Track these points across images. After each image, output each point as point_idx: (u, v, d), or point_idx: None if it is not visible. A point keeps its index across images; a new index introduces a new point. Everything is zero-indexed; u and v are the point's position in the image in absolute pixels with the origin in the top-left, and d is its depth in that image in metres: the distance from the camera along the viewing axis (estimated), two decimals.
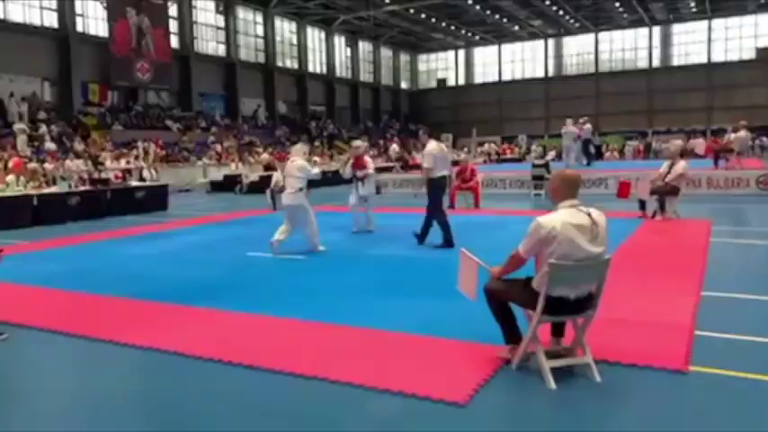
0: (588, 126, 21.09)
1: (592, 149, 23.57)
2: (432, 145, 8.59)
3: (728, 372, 3.76)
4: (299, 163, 8.60)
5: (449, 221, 8.56)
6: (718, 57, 44.28)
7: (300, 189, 8.47)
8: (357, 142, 11.25)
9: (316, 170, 8.97)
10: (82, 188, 15.15)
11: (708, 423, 3.20)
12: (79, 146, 23.39)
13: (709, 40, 44.38)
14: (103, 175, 17.85)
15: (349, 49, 46.82)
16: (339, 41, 45.73)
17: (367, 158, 10.57)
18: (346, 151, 36.19)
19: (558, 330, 4.13)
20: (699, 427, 3.17)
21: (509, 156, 39.54)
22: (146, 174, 22.20)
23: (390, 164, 28.68)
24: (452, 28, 46.01)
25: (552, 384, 3.61)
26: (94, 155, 22.49)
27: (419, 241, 8.69)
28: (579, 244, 3.62)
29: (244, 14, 37.50)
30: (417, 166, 30.72)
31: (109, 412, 3.56)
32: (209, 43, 35.33)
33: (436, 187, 8.56)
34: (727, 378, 3.70)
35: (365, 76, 48.93)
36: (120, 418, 3.49)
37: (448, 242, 8.40)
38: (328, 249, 8.68)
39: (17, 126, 22.16)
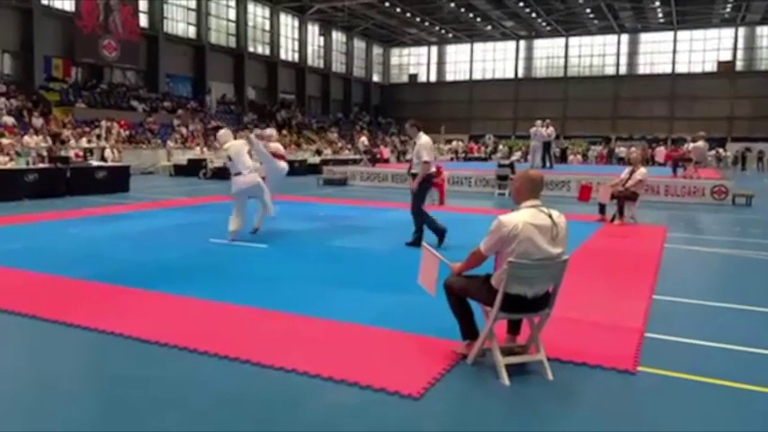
0: (551, 129, 21.41)
1: (554, 152, 23.94)
2: (426, 137, 8.21)
3: (675, 373, 3.89)
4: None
5: (432, 219, 8.23)
6: (681, 68, 45.55)
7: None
8: (269, 130, 10.39)
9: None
10: (40, 165, 14.72)
11: (653, 422, 3.31)
12: (38, 121, 22.69)
13: (675, 51, 45.57)
14: (63, 153, 17.37)
15: (322, 39, 46.48)
16: (312, 30, 45.35)
17: (279, 146, 9.83)
18: (315, 141, 36.09)
19: (514, 328, 4.22)
20: (644, 425, 3.28)
21: (476, 154, 39.91)
22: (108, 154, 21.68)
23: (358, 156, 28.67)
24: (426, 24, 46.12)
25: (506, 381, 3.68)
26: (55, 132, 21.84)
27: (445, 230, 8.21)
28: (539, 244, 3.70)
29: None
30: (387, 160, 30.82)
31: (54, 395, 3.50)
32: (180, 24, 34.63)
33: (427, 184, 8.35)
34: (674, 379, 3.83)
35: (337, 66, 48.68)
36: (65, 401, 3.43)
37: (417, 242, 8.01)
38: (291, 239, 8.63)
39: None
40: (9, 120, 21.47)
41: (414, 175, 8.23)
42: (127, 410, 3.30)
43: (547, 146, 21.58)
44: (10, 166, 13.97)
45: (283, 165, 9.33)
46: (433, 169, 8.37)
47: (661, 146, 38.16)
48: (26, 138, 20.08)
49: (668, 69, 45.71)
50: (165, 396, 3.48)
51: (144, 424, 3.14)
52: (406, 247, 7.99)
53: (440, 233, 8.15)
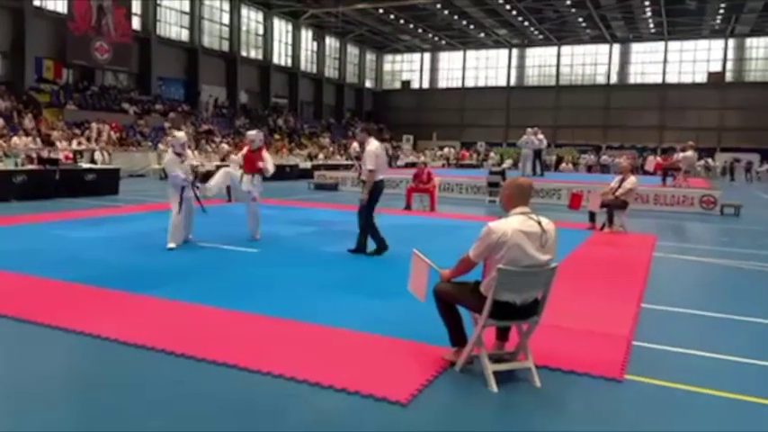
0: (541, 136, 21.52)
1: (546, 161, 24.03)
2: (374, 144, 7.84)
3: (662, 382, 3.91)
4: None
5: (377, 229, 7.98)
6: (672, 78, 45.93)
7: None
8: (252, 133, 9.81)
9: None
10: (29, 166, 14.60)
11: (640, 430, 3.32)
12: (29, 123, 22.53)
13: (665, 61, 45.97)
14: (52, 155, 17.24)
15: (315, 44, 46.51)
16: (306, 35, 45.40)
17: (264, 153, 9.08)
18: (307, 146, 36.06)
19: (502, 335, 4.22)
20: None
21: (467, 161, 40.06)
22: (97, 156, 21.55)
23: (350, 162, 28.67)
24: (420, 31, 46.29)
25: (494, 387, 3.68)
26: (45, 133, 21.69)
27: (372, 252, 8.00)
28: (528, 251, 3.70)
29: (210, 1, 36.83)
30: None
31: (38, 399, 3.45)
32: (173, 27, 34.55)
33: (376, 191, 7.87)
34: (661, 388, 3.84)
35: (330, 72, 48.72)
36: (49, 405, 3.39)
37: (359, 249, 7.97)
38: (281, 244, 8.62)
39: None
40: None
41: (364, 183, 7.89)
42: (112, 415, 3.26)
43: (537, 153, 21.67)
44: None
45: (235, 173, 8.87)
46: (381, 177, 7.84)
47: (651, 155, 38.46)
48: (15, 139, 19.93)
49: (659, 79, 46.09)
50: (151, 401, 3.45)
51: (129, 429, 3.11)
52: (396, 253, 7.95)
53: (380, 243, 7.96)
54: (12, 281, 6.02)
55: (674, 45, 45.66)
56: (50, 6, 27.36)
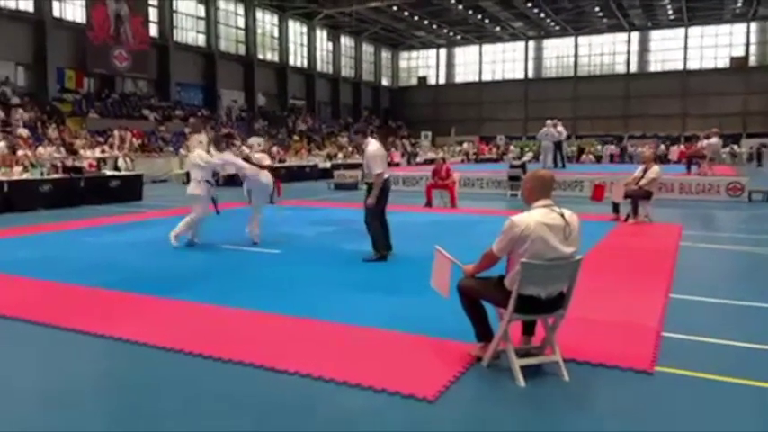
0: (561, 128, 21.28)
1: (565, 152, 23.74)
2: (375, 145, 7.44)
3: (694, 373, 3.84)
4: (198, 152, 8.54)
5: (382, 235, 7.61)
6: (693, 64, 45.12)
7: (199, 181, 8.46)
8: (254, 139, 9.67)
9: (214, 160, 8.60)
10: (55, 176, 14.87)
11: (671, 423, 3.26)
12: (53, 133, 22.93)
13: (686, 47, 45.18)
14: (77, 164, 17.53)
15: (330, 44, 46.64)
16: (321, 36, 45.53)
17: (264, 156, 9.08)
18: (327, 146, 36.16)
19: (528, 329, 4.18)
20: (663, 426, 3.23)
21: (487, 155, 39.84)
22: (120, 163, 21.85)
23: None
24: (434, 26, 46.12)
25: (522, 382, 3.65)
26: (69, 142, 22.07)
27: (385, 257, 7.59)
28: (551, 244, 3.66)
29: (225, 5, 37.12)
30: (398, 164, 30.71)
31: (67, 402, 3.51)
32: (189, 33, 34.89)
33: (385, 192, 7.46)
34: (693, 379, 3.77)
35: (346, 71, 48.80)
36: (78, 408, 3.44)
37: (383, 257, 7.55)
38: (303, 244, 8.66)
39: None
40: (24, 131, 21.72)
41: (369, 186, 7.46)
42: (139, 417, 3.31)
43: (558, 146, 21.45)
44: (25, 176, 14.12)
45: (264, 177, 8.81)
46: (387, 175, 7.41)
47: (674, 145, 37.82)
48: (40, 149, 20.30)
49: (680, 66, 45.31)
50: (177, 402, 3.48)
51: (154, 430, 3.14)
52: (417, 250, 7.90)
53: (382, 251, 7.54)
54: (40, 287, 6.13)
55: (694, 31, 44.84)
56: (69, 17, 27.81)
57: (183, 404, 3.46)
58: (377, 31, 47.43)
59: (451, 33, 48.56)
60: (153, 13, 31.51)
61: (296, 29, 43.25)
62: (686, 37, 45.11)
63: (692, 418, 3.31)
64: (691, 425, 3.24)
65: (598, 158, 37.86)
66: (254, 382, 3.75)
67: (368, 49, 51.67)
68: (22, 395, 3.67)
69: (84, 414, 3.39)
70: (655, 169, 10.91)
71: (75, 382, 3.86)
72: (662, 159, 31.58)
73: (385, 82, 54.61)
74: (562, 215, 3.74)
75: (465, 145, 42.86)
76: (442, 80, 54.03)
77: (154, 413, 3.35)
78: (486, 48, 51.63)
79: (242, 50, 38.32)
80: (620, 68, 47.47)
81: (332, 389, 3.61)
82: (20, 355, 4.42)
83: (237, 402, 3.47)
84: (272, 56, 41.07)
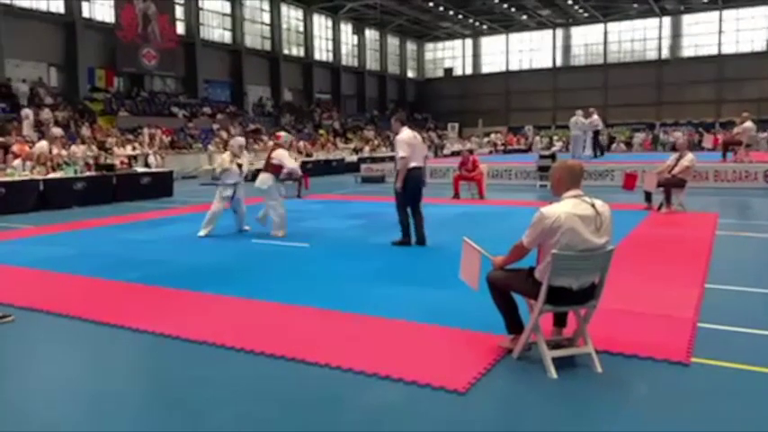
0: (596, 117, 20.94)
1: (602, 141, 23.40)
2: (406, 132, 7.85)
3: (731, 364, 3.75)
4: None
5: (409, 221, 7.93)
6: (728, 48, 43.81)
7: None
8: (283, 134, 10.14)
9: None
10: (88, 173, 15.19)
11: (709, 415, 3.19)
12: (86, 131, 23.42)
13: (720, 31, 43.91)
14: (109, 161, 17.88)
15: (355, 37, 46.59)
16: (346, 29, 45.49)
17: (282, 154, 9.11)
18: (352, 140, 36.22)
19: (560, 320, 4.13)
20: (699, 418, 3.16)
21: (515, 146, 39.43)
22: (151, 160, 22.21)
23: (393, 153, 28.64)
24: (460, 17, 45.67)
25: (553, 374, 3.61)
26: (100, 140, 22.51)
27: (408, 242, 7.93)
28: (583, 234, 3.60)
29: (250, 2, 37.32)
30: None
31: (112, 396, 3.58)
32: (215, 30, 35.19)
33: (410, 179, 7.75)
34: (730, 370, 3.69)
35: (372, 64, 48.70)
36: (123, 402, 3.51)
37: (406, 242, 7.92)
38: (331, 237, 8.72)
39: (23, 111, 22.19)
40: (57, 131, 22.20)
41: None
42: (182, 410, 3.36)
43: (595, 134, 21.17)
44: (60, 175, 14.46)
45: (257, 181, 9.11)
46: (414, 164, 7.73)
47: (708, 131, 36.84)
48: (73, 147, 20.74)
49: (714, 51, 44.05)
50: (214, 394, 3.53)
51: (198, 423, 3.19)
52: (446, 243, 7.90)
53: (406, 237, 7.91)
54: (76, 283, 6.28)
55: (729, 14, 43.48)
56: (98, 17, 28.30)
57: (218, 396, 3.50)
58: (402, 23, 47.20)
59: (477, 23, 48.04)
60: (179, 11, 31.85)
61: (321, 23, 43.29)
62: (720, 20, 43.83)
63: (731, 409, 3.23)
64: (729, 417, 3.16)
65: (628, 145, 37.13)
66: (285, 373, 3.78)
67: (393, 41, 51.47)
68: (67, 390, 3.76)
69: (126, 407, 3.45)
70: (689, 157, 10.66)
71: (118, 377, 3.94)
72: (696, 146, 30.84)
73: (411, 74, 54.36)
74: (593, 205, 3.68)
75: (493, 136, 42.46)
76: (468, 71, 53.52)
77: (191, 405, 3.41)
78: (513, 37, 50.95)
79: (267, 46, 38.52)
80: (652, 55, 46.36)
81: (361, 381, 3.62)
82: (61, 349, 4.53)
83: (269, 393, 3.51)
84: (297, 51, 41.20)
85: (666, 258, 6.90)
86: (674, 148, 21.67)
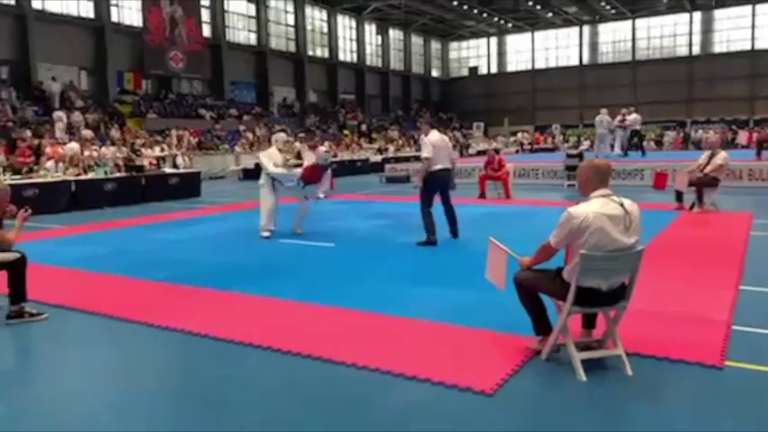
0: (634, 116, 20.60)
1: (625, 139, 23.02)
2: (433, 134, 8.05)
3: (767, 368, 3.65)
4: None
5: (434, 221, 7.98)
6: (763, 44, 42.68)
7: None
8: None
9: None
10: (118, 174, 15.47)
11: (743, 420, 3.11)
12: (116, 133, 23.86)
13: (753, 26, 42.83)
14: (138, 163, 18.18)
15: (379, 38, 46.60)
16: (370, 29, 45.55)
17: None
18: (376, 140, 36.25)
19: (589, 322, 4.06)
20: (733, 423, 3.08)
21: (542, 145, 39.03)
22: (179, 161, 22.52)
23: (418, 153, 28.58)
24: (485, 15, 45.38)
25: (582, 376, 3.55)
26: (130, 142, 22.90)
27: (434, 242, 7.96)
28: (611, 234, 3.54)
29: (275, 3, 37.62)
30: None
31: (138, 393, 3.63)
32: (241, 32, 35.54)
33: (434, 180, 7.96)
34: (765, 374, 3.59)
35: (396, 64, 48.68)
36: (149, 399, 3.56)
37: (431, 241, 7.92)
38: (357, 238, 8.73)
39: (55, 114, 22.70)
40: (88, 133, 22.64)
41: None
42: (207, 408, 3.39)
43: (635, 133, 20.86)
44: (91, 176, 14.74)
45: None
46: (439, 167, 7.88)
47: (742, 129, 35.96)
48: (103, 149, 21.13)
49: (747, 46, 43.00)
50: (242, 393, 3.55)
51: (225, 423, 3.21)
52: (472, 242, 7.85)
53: (431, 236, 7.95)
54: (107, 282, 6.38)
55: (763, 8, 42.37)
56: (127, 21, 28.81)
57: (247, 395, 3.52)
58: (426, 22, 47.08)
59: (502, 21, 47.68)
60: (205, 14, 32.25)
61: (345, 23, 43.41)
62: (753, 14, 42.76)
63: (766, 416, 3.14)
64: (764, 422, 3.07)
65: (658, 144, 36.43)
66: (312, 373, 3.79)
67: (417, 40, 51.37)
68: (95, 387, 3.82)
69: (156, 406, 3.49)
70: (722, 155, 10.42)
71: (145, 374, 4.00)
72: (729, 144, 30.18)
73: (435, 73, 54.19)
74: (622, 204, 3.62)
75: (519, 135, 42.10)
76: (493, 69, 53.14)
77: (220, 404, 3.43)
78: (539, 35, 50.45)
79: (292, 47, 38.77)
80: (682, 51, 45.44)
81: (388, 381, 3.60)
82: (95, 346, 4.61)
83: (297, 393, 3.52)
84: (321, 52, 41.39)
85: (699, 259, 6.75)
86: (699, 147, 21.15)
